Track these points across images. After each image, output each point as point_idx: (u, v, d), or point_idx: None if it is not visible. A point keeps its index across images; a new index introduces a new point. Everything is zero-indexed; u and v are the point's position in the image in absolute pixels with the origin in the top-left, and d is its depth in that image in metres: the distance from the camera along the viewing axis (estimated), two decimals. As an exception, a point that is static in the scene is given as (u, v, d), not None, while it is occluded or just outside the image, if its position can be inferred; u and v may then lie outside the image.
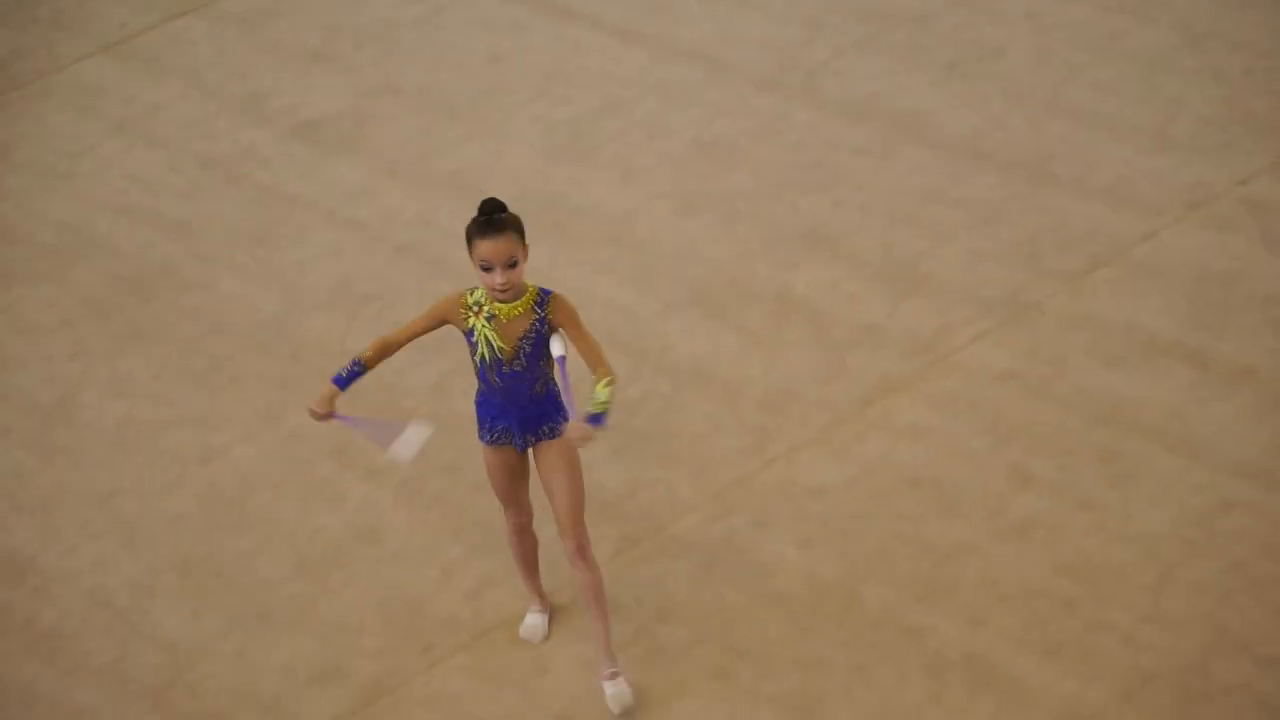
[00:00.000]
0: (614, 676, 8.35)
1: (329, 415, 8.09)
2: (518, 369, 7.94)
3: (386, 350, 8.14)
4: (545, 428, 8.09)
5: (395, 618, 8.96)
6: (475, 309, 7.95)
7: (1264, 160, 11.09)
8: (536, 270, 10.89)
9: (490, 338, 7.90)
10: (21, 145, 12.36)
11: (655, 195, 11.47)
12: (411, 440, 8.19)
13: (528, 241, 7.89)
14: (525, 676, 8.60)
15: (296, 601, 9.12)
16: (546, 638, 8.71)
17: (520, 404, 8.03)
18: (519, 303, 7.91)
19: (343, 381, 8.09)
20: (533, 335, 7.90)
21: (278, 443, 10.01)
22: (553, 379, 8.04)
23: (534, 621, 8.75)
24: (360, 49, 13.00)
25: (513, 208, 11.28)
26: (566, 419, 7.99)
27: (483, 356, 7.96)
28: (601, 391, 7.80)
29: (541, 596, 8.76)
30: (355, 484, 9.69)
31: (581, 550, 8.21)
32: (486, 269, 7.80)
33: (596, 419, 7.78)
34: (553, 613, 8.78)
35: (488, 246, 7.75)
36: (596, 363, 7.89)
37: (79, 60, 13.13)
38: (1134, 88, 11.84)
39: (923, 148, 11.57)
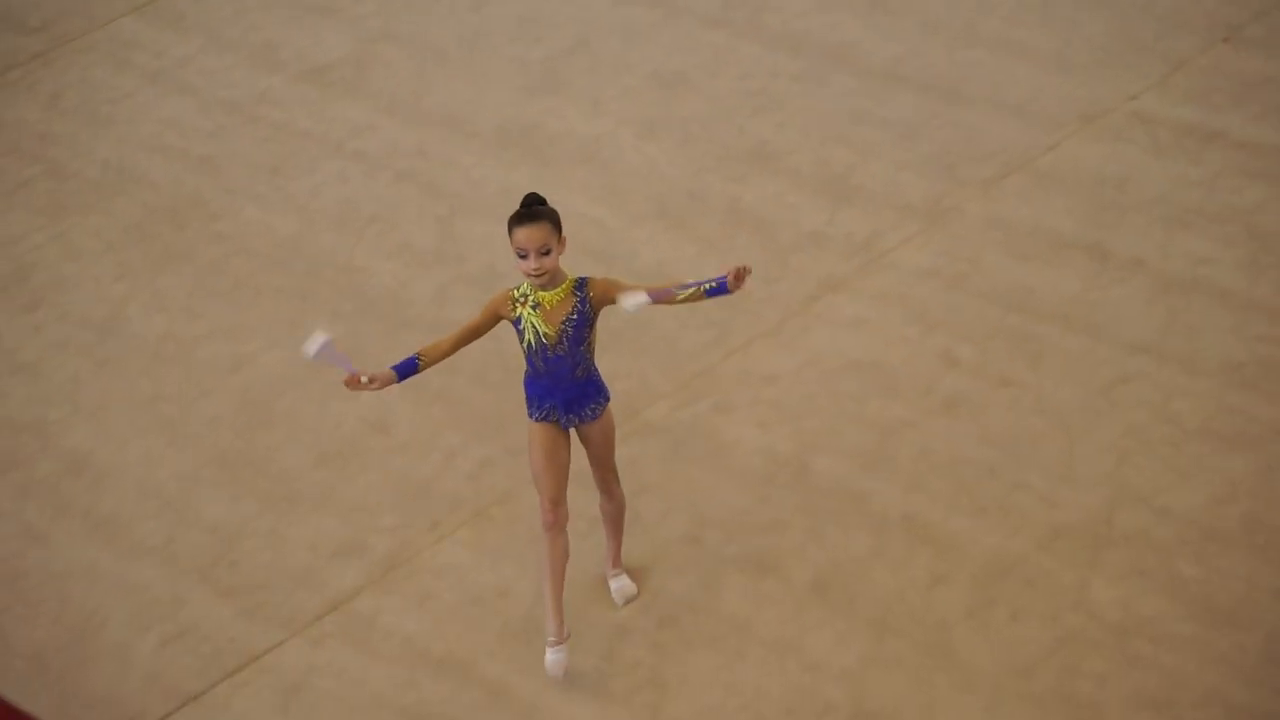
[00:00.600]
0: (619, 575, 8.25)
1: (359, 384, 7.64)
2: (560, 353, 7.59)
3: (440, 352, 7.72)
4: (588, 409, 7.76)
5: (405, 498, 8.90)
6: (522, 300, 7.57)
7: (1151, 78, 10.99)
8: (518, 190, 10.80)
9: (536, 324, 7.56)
10: (68, 94, 12.19)
11: (620, 122, 11.36)
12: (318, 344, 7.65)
13: (564, 234, 7.53)
14: (521, 547, 8.54)
15: (320, 487, 9.04)
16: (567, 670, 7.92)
17: (564, 386, 7.69)
18: (559, 289, 7.55)
19: (401, 372, 7.68)
20: (575, 318, 7.55)
21: (298, 348, 9.88)
22: (593, 364, 7.72)
23: (555, 658, 7.82)
24: (360, 2, 12.84)
25: (499, 134, 11.28)
26: (608, 399, 7.78)
27: (529, 343, 7.60)
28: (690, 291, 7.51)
29: (561, 623, 7.81)
30: (368, 383, 9.59)
31: (609, 489, 8.02)
32: (522, 255, 7.44)
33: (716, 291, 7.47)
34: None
35: (523, 234, 7.41)
36: (665, 288, 7.53)
37: (114, 20, 12.93)
38: (1036, 17, 11.72)
39: (851, 75, 11.46)
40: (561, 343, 7.59)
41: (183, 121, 11.86)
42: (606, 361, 9.38)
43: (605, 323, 9.62)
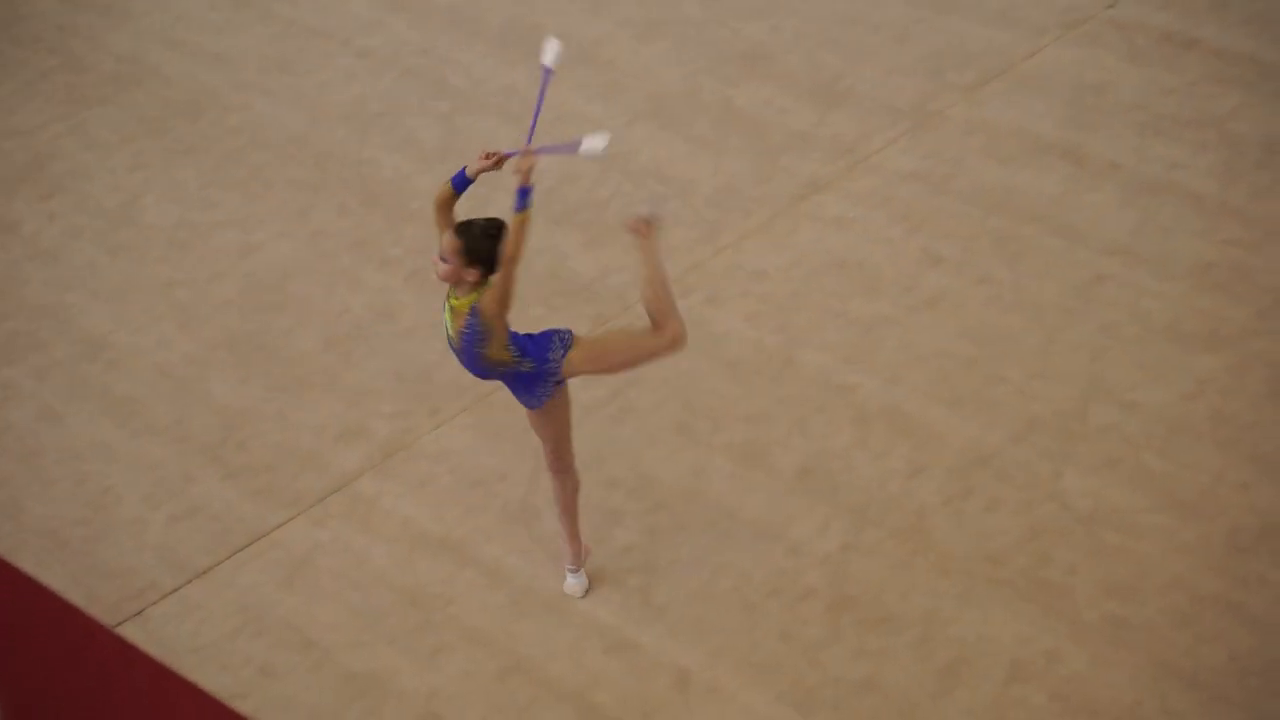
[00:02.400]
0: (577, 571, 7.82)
1: (500, 156, 7.10)
2: (458, 349, 7.12)
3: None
4: (523, 398, 7.28)
5: (408, 384, 8.81)
6: (447, 295, 7.08)
7: (1129, -13, 10.87)
8: (519, 89, 10.67)
9: (446, 320, 7.11)
10: (84, -11, 12.03)
11: (619, 23, 11.19)
12: (596, 142, 7.05)
13: (471, 266, 6.91)
14: (519, 433, 8.46)
15: (326, 371, 8.96)
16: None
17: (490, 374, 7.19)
18: (464, 301, 6.97)
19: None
20: (467, 332, 7.00)
21: (307, 238, 9.80)
22: (513, 365, 7.10)
23: (575, 582, 7.73)
24: (368, -97, 12.66)
25: (502, 33, 11.11)
26: (540, 399, 7.24)
27: (447, 335, 7.12)
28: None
29: (579, 552, 7.70)
30: (373, 272, 9.50)
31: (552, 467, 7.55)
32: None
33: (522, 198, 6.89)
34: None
35: (445, 236, 6.98)
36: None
37: (130, -84, 12.76)
38: (1020, -73, 11.54)
39: (843, -20, 11.31)
40: (461, 348, 7.09)
41: (196, 17, 11.69)
42: (597, 256, 9.32)
43: (598, 219, 9.56)
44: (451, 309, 7.06)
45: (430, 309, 9.21)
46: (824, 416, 8.34)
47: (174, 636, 7.73)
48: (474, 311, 6.97)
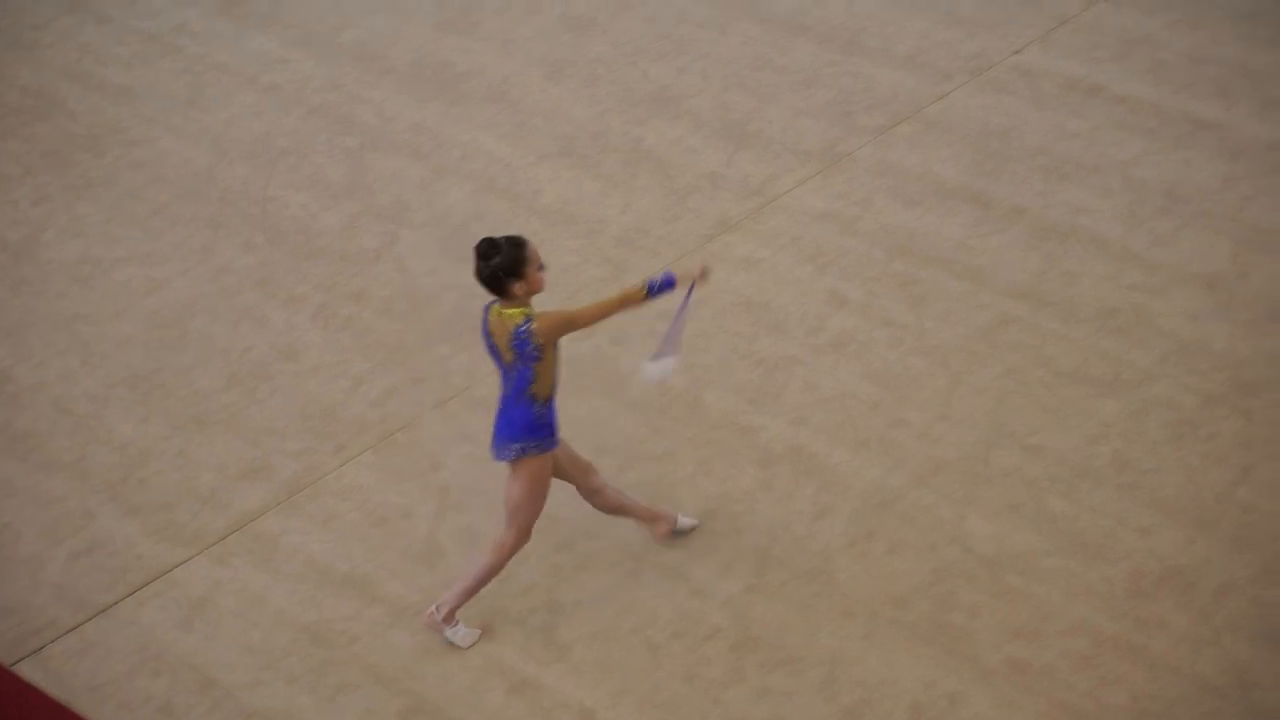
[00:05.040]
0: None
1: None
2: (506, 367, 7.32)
3: None
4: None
5: (312, 422, 8.79)
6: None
7: (1034, 33, 10.96)
8: (428, 126, 10.70)
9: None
10: (-12, 21, 11.97)
11: (529, 63, 11.23)
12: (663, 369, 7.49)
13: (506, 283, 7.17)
14: (423, 471, 8.46)
15: (229, 409, 8.92)
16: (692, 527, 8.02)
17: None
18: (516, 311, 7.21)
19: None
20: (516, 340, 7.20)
21: (211, 275, 9.76)
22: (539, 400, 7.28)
23: (685, 521, 8.01)
24: (277, -62, 12.66)
25: (407, 73, 11.12)
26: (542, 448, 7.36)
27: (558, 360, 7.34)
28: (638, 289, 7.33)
29: (659, 514, 7.91)
30: (277, 310, 9.47)
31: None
32: (542, 267, 7.20)
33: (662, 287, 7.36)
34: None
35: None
36: (619, 302, 7.32)
37: (36, -52, 12.71)
38: (928, -28, 11.68)
39: (753, 23, 11.37)
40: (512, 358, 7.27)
41: (102, 50, 11.65)
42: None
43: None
44: (497, 336, 7.20)
45: (334, 347, 9.19)
46: (729, 458, 8.38)
47: (72, 675, 7.67)
48: (525, 325, 7.12)
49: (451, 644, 7.65)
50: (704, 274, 7.46)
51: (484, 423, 8.55)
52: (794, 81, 10.79)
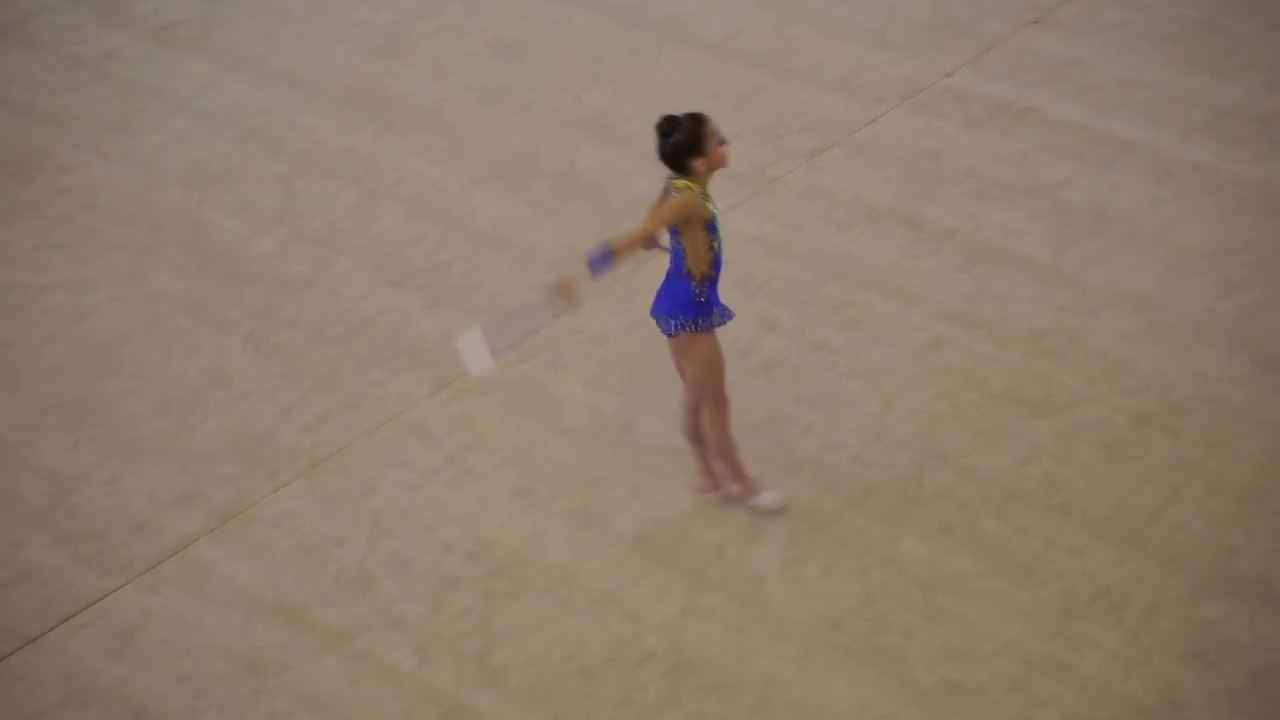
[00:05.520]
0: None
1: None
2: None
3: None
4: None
5: (244, 449, 8.75)
6: (707, 198, 7.50)
7: (964, 57, 11.04)
8: (360, 151, 10.69)
9: (718, 221, 7.56)
10: (-85, 46, 11.90)
11: (462, 87, 11.23)
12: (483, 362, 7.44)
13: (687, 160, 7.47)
14: (355, 497, 8.44)
15: (160, 436, 8.87)
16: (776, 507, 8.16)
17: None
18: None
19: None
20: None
21: (142, 300, 9.72)
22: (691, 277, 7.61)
23: (769, 497, 8.17)
24: (208, -37, 12.64)
25: (338, 98, 11.10)
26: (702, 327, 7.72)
27: (718, 243, 7.55)
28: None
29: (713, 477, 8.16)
30: (209, 335, 9.44)
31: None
32: (723, 142, 7.47)
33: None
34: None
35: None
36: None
37: (-36, -27, 12.64)
38: (859, -4, 11.76)
39: (685, 48, 11.41)
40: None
41: (29, 75, 11.59)
42: (439, 319, 9.34)
43: (440, 282, 9.59)
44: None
45: (267, 373, 9.16)
46: (662, 481, 8.38)
47: (0, 706, 7.60)
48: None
49: (766, 509, 8.06)
50: (565, 292, 7.41)
51: (418, 449, 8.58)
52: (725, 105, 10.82)
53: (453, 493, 8.42)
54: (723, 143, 7.50)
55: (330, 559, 8.16)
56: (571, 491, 8.38)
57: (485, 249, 9.90)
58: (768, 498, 8.14)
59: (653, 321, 9.06)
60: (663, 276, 7.72)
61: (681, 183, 7.50)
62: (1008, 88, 10.74)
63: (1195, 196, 9.77)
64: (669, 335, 7.74)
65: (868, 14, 11.54)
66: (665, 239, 7.62)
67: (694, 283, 7.59)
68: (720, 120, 10.59)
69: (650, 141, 10.53)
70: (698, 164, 7.45)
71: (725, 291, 9.44)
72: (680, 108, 10.73)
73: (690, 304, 7.63)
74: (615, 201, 10.14)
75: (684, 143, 7.43)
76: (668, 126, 7.45)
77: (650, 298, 9.36)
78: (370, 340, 9.34)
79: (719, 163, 7.50)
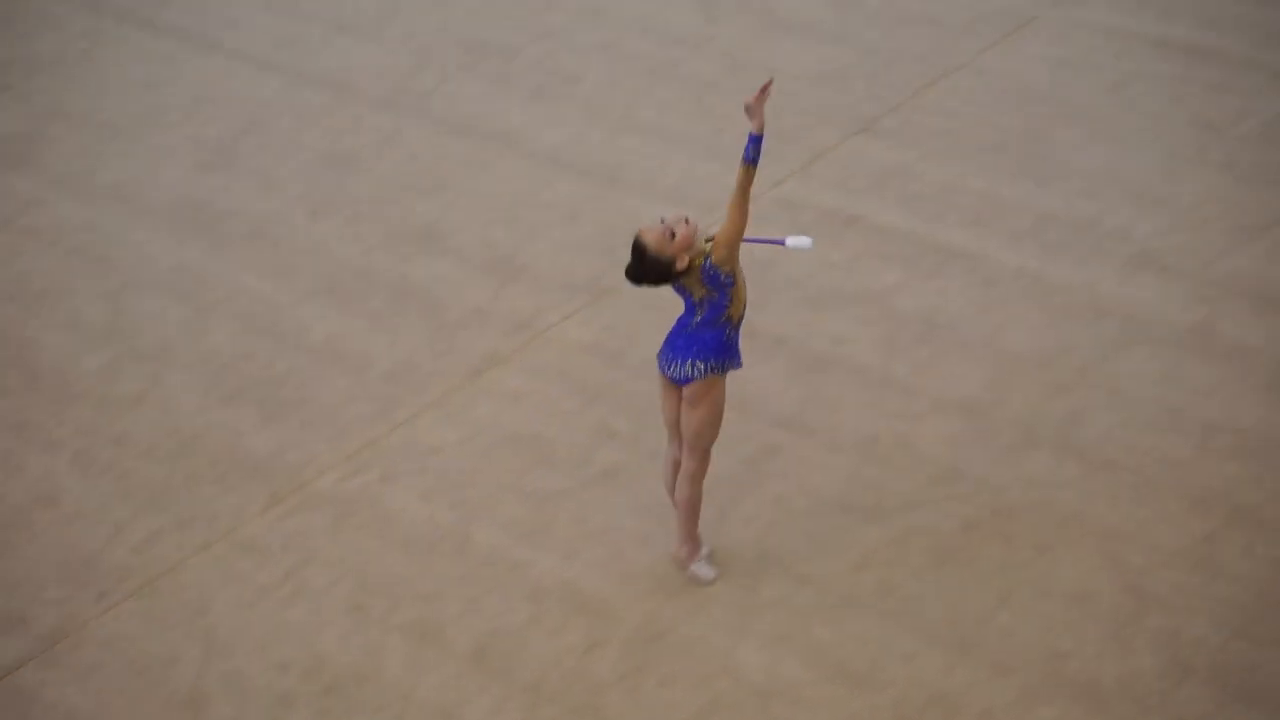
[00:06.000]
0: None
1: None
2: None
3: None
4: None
5: (73, 570, 8.64)
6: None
7: (793, 166, 11.21)
8: (190, 266, 10.64)
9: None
10: None
11: (292, 200, 11.23)
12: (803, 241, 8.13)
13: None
14: (188, 616, 8.35)
15: (-14, 559, 8.75)
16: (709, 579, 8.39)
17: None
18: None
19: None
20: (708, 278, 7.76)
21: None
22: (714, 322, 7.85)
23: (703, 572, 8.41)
24: (31, 78, 12.54)
25: (166, 214, 11.06)
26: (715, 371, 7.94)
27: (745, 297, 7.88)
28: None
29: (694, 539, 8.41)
30: (34, 455, 9.32)
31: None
32: (668, 228, 7.77)
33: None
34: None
35: None
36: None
37: None
38: (690, 107, 11.90)
39: (516, 159, 11.50)
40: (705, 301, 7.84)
41: None
42: (273, 433, 9.30)
43: (274, 395, 9.55)
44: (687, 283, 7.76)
45: (95, 492, 9.05)
46: (499, 593, 8.38)
47: None
48: (708, 263, 7.67)
49: (703, 580, 8.30)
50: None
51: (252, 565, 8.51)
52: (558, 216, 10.91)
53: (288, 609, 8.36)
54: (673, 235, 7.71)
55: (162, 680, 8.06)
56: (408, 606, 8.35)
57: (318, 363, 9.88)
58: (706, 570, 8.34)
59: (488, 432, 9.09)
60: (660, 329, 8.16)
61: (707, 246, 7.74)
62: (836, 196, 10.92)
63: (1020, 302, 9.97)
64: (686, 382, 7.91)
65: (698, 124, 11.70)
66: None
67: (730, 327, 7.84)
68: (553, 231, 10.75)
69: (483, 252, 10.63)
70: (678, 264, 7.70)
71: (559, 400, 9.51)
72: (513, 219, 10.86)
73: (721, 347, 7.87)
74: (449, 312, 10.16)
75: (657, 276, 7.74)
76: (636, 278, 7.81)
77: (483, 409, 9.39)
78: (202, 456, 9.28)
79: (687, 244, 7.72)
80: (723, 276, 7.72)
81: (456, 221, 10.95)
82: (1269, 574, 8.23)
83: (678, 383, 7.97)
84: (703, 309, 7.84)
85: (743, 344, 9.74)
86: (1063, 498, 8.70)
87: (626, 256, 10.45)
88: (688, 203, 10.92)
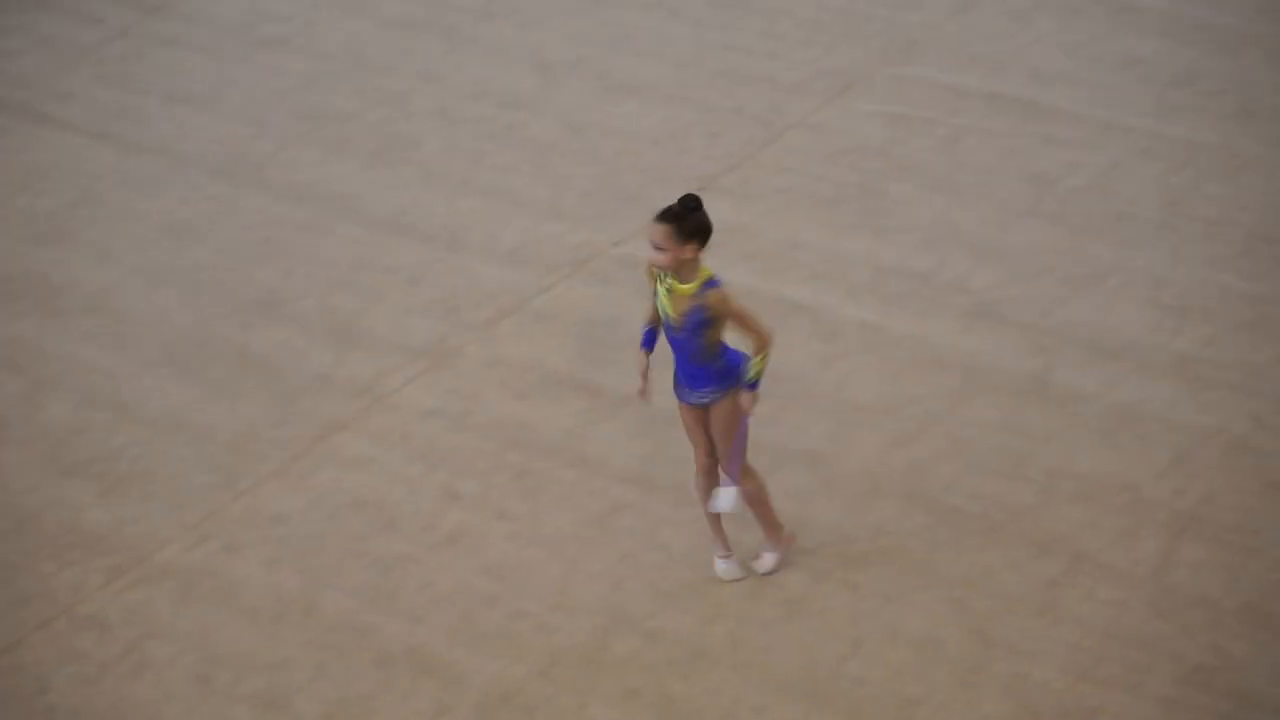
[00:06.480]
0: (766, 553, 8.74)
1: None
2: (680, 337, 8.02)
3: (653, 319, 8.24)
4: (703, 393, 8.20)
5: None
6: (660, 278, 7.99)
7: (633, 225, 11.25)
8: (24, 340, 10.49)
9: (665, 305, 8.00)
10: None
11: (129, 271, 11.12)
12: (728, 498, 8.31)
13: (688, 242, 7.88)
14: (28, 696, 8.19)
15: None
16: (742, 577, 8.64)
17: (684, 365, 8.16)
18: (689, 285, 7.94)
19: (647, 342, 8.28)
20: (692, 315, 7.95)
21: None
22: (718, 357, 8.10)
23: (723, 566, 8.66)
24: None
25: (1, 288, 10.90)
26: (728, 389, 8.14)
27: (664, 317, 8.06)
28: (755, 364, 7.99)
29: (725, 544, 8.66)
30: None
31: (734, 476, 8.30)
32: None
33: (752, 385, 8.05)
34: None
35: (649, 226, 7.90)
36: (755, 348, 7.98)
37: None
38: (529, 169, 11.93)
39: (355, 224, 11.46)
40: (682, 330, 8.00)
41: None
42: (112, 507, 9.18)
43: (113, 470, 9.42)
44: (674, 294, 7.94)
45: (-69, 570, 8.89)
46: (347, 660, 8.30)
47: None
48: (701, 291, 7.89)
49: (768, 571, 8.63)
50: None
51: (93, 641, 8.39)
52: (399, 280, 10.88)
53: (131, 684, 8.23)
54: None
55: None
56: (254, 675, 8.25)
57: (158, 434, 9.76)
58: (770, 560, 8.67)
59: (332, 499, 9.05)
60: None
61: (691, 289, 7.94)
62: (676, 254, 10.97)
63: (862, 354, 10.07)
64: (715, 403, 8.18)
65: (538, 185, 11.74)
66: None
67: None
68: (394, 295, 10.73)
69: (324, 318, 10.57)
70: (689, 253, 7.95)
71: (403, 465, 9.46)
72: (354, 284, 10.83)
73: (740, 364, 8.12)
74: (290, 379, 10.09)
75: (698, 226, 7.92)
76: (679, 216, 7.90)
77: (326, 475, 9.33)
78: (40, 532, 9.13)
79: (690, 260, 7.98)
80: (704, 318, 7.95)
81: (296, 288, 10.89)
82: (1110, 617, 8.35)
83: (707, 404, 8.27)
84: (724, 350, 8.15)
85: (589, 401, 9.80)
86: (909, 546, 8.78)
87: (471, 319, 10.49)
88: (530, 265, 10.95)
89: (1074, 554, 8.69)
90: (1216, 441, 9.33)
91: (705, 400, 8.22)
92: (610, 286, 10.76)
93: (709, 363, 8.11)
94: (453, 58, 13.23)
